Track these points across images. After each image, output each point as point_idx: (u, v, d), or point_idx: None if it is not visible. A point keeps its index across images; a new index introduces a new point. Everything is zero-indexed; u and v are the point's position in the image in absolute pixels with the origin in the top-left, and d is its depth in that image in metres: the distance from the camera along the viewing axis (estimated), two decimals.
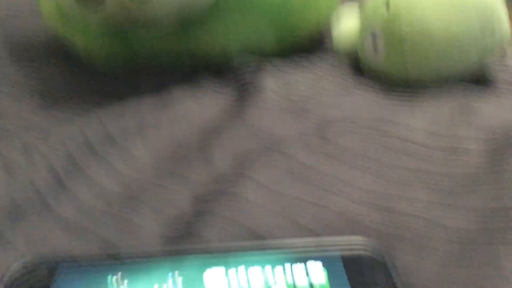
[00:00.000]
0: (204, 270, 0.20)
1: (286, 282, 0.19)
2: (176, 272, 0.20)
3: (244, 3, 0.43)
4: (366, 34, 0.41)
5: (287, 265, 0.20)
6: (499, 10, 0.39)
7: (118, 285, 0.19)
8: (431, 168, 0.27)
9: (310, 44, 0.49)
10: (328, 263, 0.20)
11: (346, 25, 0.46)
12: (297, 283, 0.19)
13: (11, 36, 0.62)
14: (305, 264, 0.20)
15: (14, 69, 0.46)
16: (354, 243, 0.21)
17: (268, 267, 0.20)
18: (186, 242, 0.23)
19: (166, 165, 0.29)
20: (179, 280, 0.20)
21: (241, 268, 0.20)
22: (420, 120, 0.32)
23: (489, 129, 0.30)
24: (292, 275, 0.20)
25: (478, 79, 0.41)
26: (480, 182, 0.25)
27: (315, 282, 0.19)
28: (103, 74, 0.43)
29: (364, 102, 0.35)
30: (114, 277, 0.20)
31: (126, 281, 0.20)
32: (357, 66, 0.43)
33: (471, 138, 0.29)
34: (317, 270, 0.20)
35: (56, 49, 0.54)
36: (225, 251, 0.21)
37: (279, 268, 0.20)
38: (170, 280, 0.20)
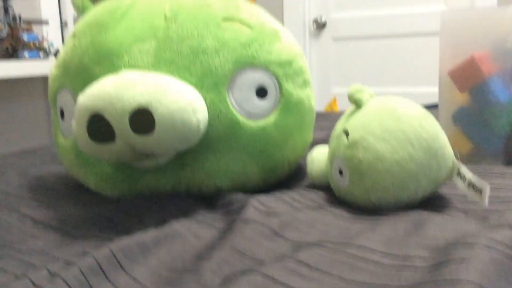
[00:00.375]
0: None
1: None
2: None
3: (232, 146, 0.51)
4: (333, 163, 0.49)
5: None
6: (443, 146, 0.46)
7: None
8: (384, 281, 0.33)
9: (288, 175, 0.58)
10: None
11: (318, 159, 0.54)
12: None
13: (28, 173, 0.70)
14: None
15: (31, 205, 0.53)
16: None
17: None
18: None
19: (163, 285, 0.35)
20: None
21: None
22: (378, 242, 0.38)
23: (434, 248, 0.37)
24: None
25: (431, 203, 0.48)
26: None
27: None
28: (110, 204, 0.51)
29: (332, 227, 0.42)
30: None
31: None
32: (329, 191, 0.51)
33: (418, 257, 0.36)
34: None
35: (69, 184, 0.61)
36: None
37: None
38: None
